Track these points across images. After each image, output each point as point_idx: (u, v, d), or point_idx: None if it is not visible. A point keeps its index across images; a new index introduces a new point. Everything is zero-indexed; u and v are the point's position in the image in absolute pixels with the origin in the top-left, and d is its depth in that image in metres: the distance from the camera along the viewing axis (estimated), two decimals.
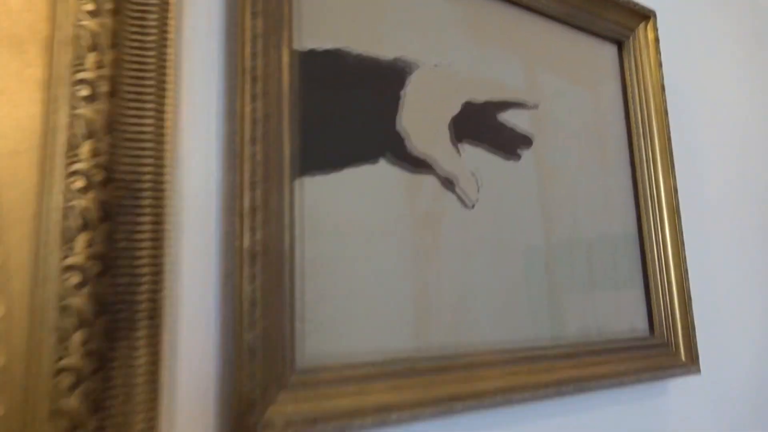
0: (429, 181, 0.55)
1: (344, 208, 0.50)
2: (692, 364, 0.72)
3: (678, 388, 0.74)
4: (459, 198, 0.57)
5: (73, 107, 0.34)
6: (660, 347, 0.71)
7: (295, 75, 0.48)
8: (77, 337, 0.32)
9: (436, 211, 0.55)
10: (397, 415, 0.46)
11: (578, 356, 0.62)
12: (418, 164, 0.55)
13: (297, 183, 0.47)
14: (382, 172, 0.53)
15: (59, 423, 0.31)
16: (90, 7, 0.35)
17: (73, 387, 0.32)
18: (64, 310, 0.33)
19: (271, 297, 0.43)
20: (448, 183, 0.57)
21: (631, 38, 0.78)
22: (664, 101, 0.76)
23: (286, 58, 0.47)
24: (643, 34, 0.78)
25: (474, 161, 0.59)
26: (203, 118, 0.44)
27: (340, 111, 0.51)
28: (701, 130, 0.90)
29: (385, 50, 0.55)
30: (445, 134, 0.58)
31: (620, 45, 0.78)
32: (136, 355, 0.35)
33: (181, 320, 0.40)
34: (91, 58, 0.35)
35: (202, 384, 0.41)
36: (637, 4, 0.78)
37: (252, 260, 0.42)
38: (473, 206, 0.58)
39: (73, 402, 0.32)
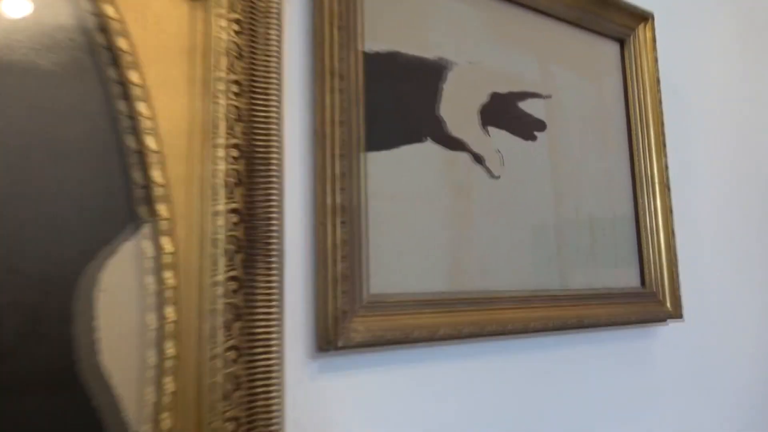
0: (463, 157, 0.69)
1: (398, 178, 0.64)
2: (677, 312, 0.86)
3: (665, 332, 0.88)
4: (486, 171, 0.71)
5: (226, 99, 0.48)
6: (650, 297, 0.85)
7: (363, 72, 0.62)
8: (238, 258, 0.47)
9: (468, 181, 0.70)
10: (443, 332, 0.61)
11: (581, 300, 0.76)
12: (454, 144, 0.69)
13: (364, 157, 0.61)
14: (427, 149, 0.67)
15: (227, 314, 0.46)
16: (235, 27, 0.49)
17: (234, 291, 0.47)
18: (218, 242, 0.48)
19: (349, 242, 0.57)
20: (478, 159, 0.71)
21: (631, 37, 0.91)
22: (659, 93, 0.89)
23: (357, 60, 0.61)
24: (642, 33, 0.91)
25: (498, 141, 0.73)
26: (295, 108, 0.58)
27: (395, 101, 0.65)
28: (691, 119, 1.03)
29: (429, 51, 0.69)
30: (475, 119, 0.71)
31: (622, 43, 0.91)
32: (266, 279, 0.50)
33: (289, 258, 0.54)
34: (235, 64, 0.49)
35: (302, 305, 0.55)
36: (637, 7, 0.90)
37: (336, 215, 0.57)
38: (498, 177, 0.72)
39: (234, 301, 0.47)
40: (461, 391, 0.65)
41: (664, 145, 0.89)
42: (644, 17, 0.91)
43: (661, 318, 0.86)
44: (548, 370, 0.74)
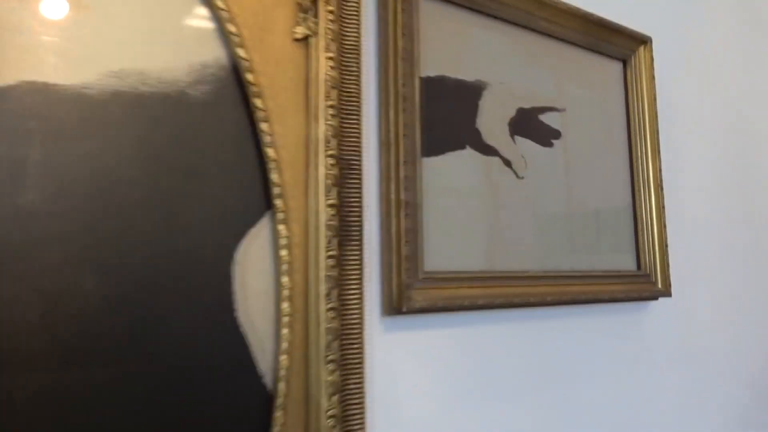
0: (495, 161, 0.85)
1: (446, 178, 0.79)
2: (666, 290, 1.02)
3: (656, 307, 1.05)
4: (513, 172, 0.87)
5: (325, 120, 0.63)
6: (644, 278, 1.01)
7: (420, 94, 0.77)
8: (335, 241, 0.63)
9: (499, 181, 0.85)
10: (480, 302, 0.77)
11: (587, 279, 0.92)
12: (488, 150, 0.84)
13: (421, 162, 0.76)
14: (467, 155, 0.82)
15: (328, 283, 0.62)
16: (331, 63, 0.64)
17: (332, 266, 0.62)
18: (320, 229, 0.63)
19: (411, 230, 0.73)
20: (507, 163, 0.86)
21: (632, 58, 1.06)
22: (656, 106, 1.05)
23: (416, 84, 0.76)
24: (642, 55, 1.06)
25: (523, 148, 0.88)
26: (370, 124, 0.73)
27: (443, 116, 0.80)
28: (682, 128, 1.19)
29: (468, 75, 0.84)
30: (505, 130, 0.87)
31: (624, 63, 1.06)
32: (354, 258, 0.65)
33: (366, 242, 0.70)
34: (331, 93, 0.64)
35: (375, 278, 0.71)
36: (637, 32, 1.05)
37: (401, 208, 0.72)
38: (522, 178, 0.88)
39: (332, 273, 0.62)
40: (492, 348, 0.81)
41: (659, 151, 1.05)
42: (644, 41, 1.06)
43: (653, 295, 1.02)
44: (560, 335, 0.90)
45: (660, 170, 1.04)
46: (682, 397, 1.09)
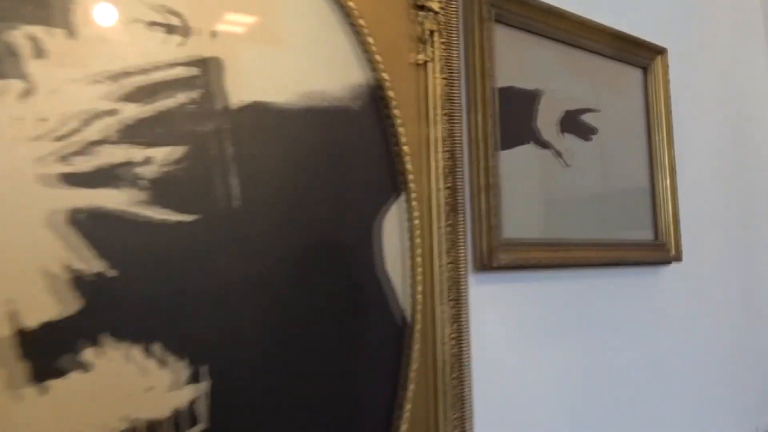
0: (549, 153, 1.08)
1: (514, 166, 1.02)
2: (678, 257, 1.27)
3: (670, 270, 1.29)
4: (563, 162, 1.10)
5: (441, 125, 0.86)
6: (660, 246, 1.26)
7: (496, 100, 0.99)
8: (450, 216, 0.86)
9: (552, 168, 1.08)
10: (544, 263, 1.00)
11: (617, 246, 1.16)
12: (544, 144, 1.07)
13: (498, 154, 0.99)
14: (529, 149, 1.05)
15: (446, 245, 0.85)
16: (443, 82, 0.87)
17: (449, 234, 0.85)
18: (440, 206, 0.86)
19: (493, 207, 0.95)
20: (558, 154, 1.09)
21: (651, 66, 1.29)
22: (670, 105, 1.28)
23: (493, 93, 0.98)
24: (659, 63, 1.29)
25: (569, 142, 1.11)
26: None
27: (512, 118, 1.02)
28: (692, 122, 1.43)
29: (529, 84, 1.06)
30: (556, 128, 1.10)
31: (645, 70, 1.29)
32: (461, 228, 0.88)
33: (466, 216, 0.92)
34: (444, 104, 0.87)
35: (469, 242, 0.94)
36: (655, 44, 1.28)
37: (487, 190, 0.95)
38: (569, 166, 1.11)
39: (449, 237, 0.85)
40: (549, 298, 1.05)
41: (673, 142, 1.28)
42: (660, 51, 1.29)
43: (667, 260, 1.26)
44: (596, 290, 1.14)
45: (674, 158, 1.28)
46: (690, 340, 1.34)
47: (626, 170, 1.23)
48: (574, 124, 1.13)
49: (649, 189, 1.27)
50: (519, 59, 1.05)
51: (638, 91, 1.28)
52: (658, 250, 1.26)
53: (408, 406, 0.81)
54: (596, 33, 1.18)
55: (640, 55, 1.27)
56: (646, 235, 1.26)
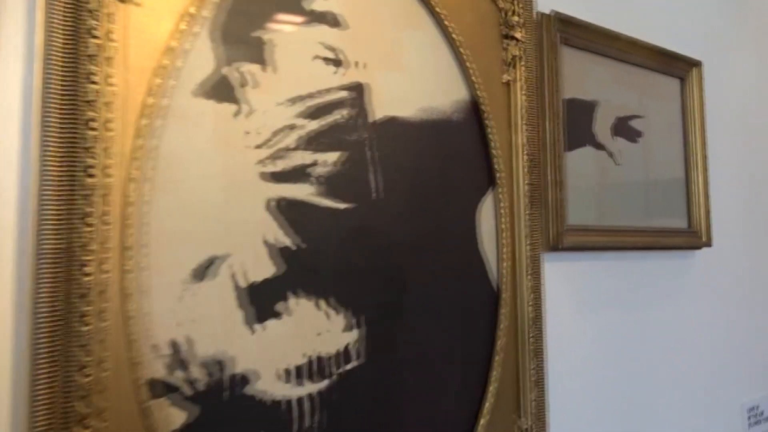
0: (603, 154, 1.28)
1: (576, 165, 1.23)
2: (708, 242, 1.47)
3: (701, 254, 1.50)
4: (614, 161, 1.31)
5: (524, 132, 1.07)
6: (693, 233, 1.46)
7: (563, 110, 1.20)
8: (529, 205, 1.07)
9: (606, 167, 1.29)
10: (599, 246, 1.21)
11: (656, 232, 1.37)
12: (599, 147, 1.28)
13: (564, 155, 1.19)
14: (588, 150, 1.26)
15: (529, 227, 1.06)
16: (525, 96, 1.08)
17: (529, 219, 1.07)
18: (523, 197, 1.07)
19: (561, 198, 1.17)
20: (611, 155, 1.30)
21: (688, 76, 1.48)
22: (704, 110, 1.48)
23: (562, 104, 1.19)
24: (694, 74, 1.49)
25: (620, 144, 1.32)
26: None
27: (574, 124, 1.23)
28: (722, 125, 1.62)
29: (587, 96, 1.27)
30: (610, 132, 1.30)
31: (682, 80, 1.49)
32: (538, 213, 1.09)
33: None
34: (525, 115, 1.08)
35: (543, 227, 1.15)
36: (692, 58, 1.48)
37: (556, 185, 1.16)
38: (620, 165, 1.31)
39: (531, 222, 1.07)
40: (602, 275, 1.27)
41: (705, 141, 1.48)
42: (695, 64, 1.49)
43: (699, 246, 1.47)
44: (639, 270, 1.35)
45: (706, 157, 1.48)
46: (718, 315, 1.55)
47: (665, 167, 1.44)
48: (623, 128, 1.34)
49: (684, 184, 1.48)
50: (580, 75, 1.26)
51: (676, 99, 1.48)
52: (691, 237, 1.46)
53: (499, 356, 1.03)
54: (642, 50, 1.38)
55: (678, 67, 1.47)
56: (681, 223, 1.46)
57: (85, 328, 0.63)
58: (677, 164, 1.47)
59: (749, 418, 1.55)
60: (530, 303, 1.07)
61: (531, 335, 1.07)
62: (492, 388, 1.01)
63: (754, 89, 1.77)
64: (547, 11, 1.18)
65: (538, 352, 1.08)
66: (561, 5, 1.20)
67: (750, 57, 1.77)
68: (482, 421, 0.99)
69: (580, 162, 1.24)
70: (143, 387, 0.68)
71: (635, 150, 1.36)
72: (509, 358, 1.05)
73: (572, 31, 1.23)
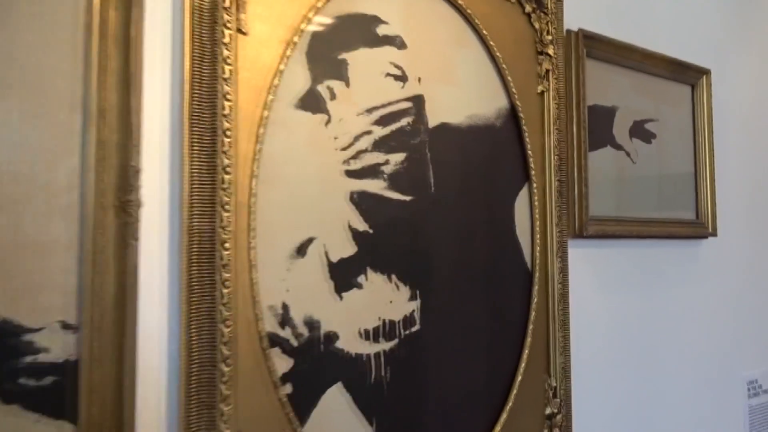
0: (622, 154, 1.46)
1: (598, 164, 1.40)
2: (714, 232, 1.64)
3: (707, 243, 1.67)
4: (631, 160, 1.48)
5: (555, 135, 1.25)
6: (700, 224, 1.63)
7: (587, 115, 1.37)
8: (560, 197, 1.25)
9: (623, 165, 1.46)
10: (617, 234, 1.39)
11: (667, 223, 1.54)
12: (618, 147, 1.45)
13: (587, 155, 1.36)
14: (608, 150, 1.43)
15: (558, 216, 1.24)
16: (556, 104, 1.25)
17: (557, 210, 1.24)
18: (553, 191, 1.25)
19: (585, 193, 1.34)
20: (628, 154, 1.47)
21: (698, 83, 1.65)
22: (712, 113, 1.64)
23: (586, 110, 1.36)
24: (704, 81, 1.65)
25: (636, 145, 1.49)
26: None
27: (595, 127, 1.40)
28: (728, 126, 1.78)
29: (607, 102, 1.44)
30: (627, 134, 1.47)
31: (693, 87, 1.65)
32: (564, 205, 1.27)
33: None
34: (556, 121, 1.25)
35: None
36: (701, 66, 1.64)
37: (581, 182, 1.33)
38: (636, 163, 1.48)
39: (558, 213, 1.24)
40: (620, 259, 1.44)
41: (713, 141, 1.65)
42: (705, 72, 1.65)
43: (705, 235, 1.64)
44: (652, 257, 1.53)
45: (714, 157, 1.65)
46: (722, 298, 1.72)
47: (676, 165, 1.60)
48: (639, 131, 1.51)
49: (692, 180, 1.64)
50: (602, 83, 1.43)
51: (687, 104, 1.64)
52: (698, 227, 1.63)
53: (533, 326, 1.21)
54: (656, 60, 1.54)
55: (689, 75, 1.63)
56: (690, 215, 1.63)
57: (226, 291, 0.82)
58: (687, 162, 1.63)
59: (749, 390, 1.72)
60: (558, 282, 1.25)
61: (559, 309, 1.25)
62: (526, 353, 1.19)
63: (757, 94, 1.93)
64: (574, 29, 1.35)
65: (565, 324, 1.26)
66: (586, 23, 1.37)
67: (754, 65, 1.93)
68: (519, 379, 1.17)
69: (601, 161, 1.41)
70: (264, 338, 0.87)
71: (649, 150, 1.53)
72: (540, 328, 1.23)
73: (595, 45, 1.40)
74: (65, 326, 0.75)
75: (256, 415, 0.86)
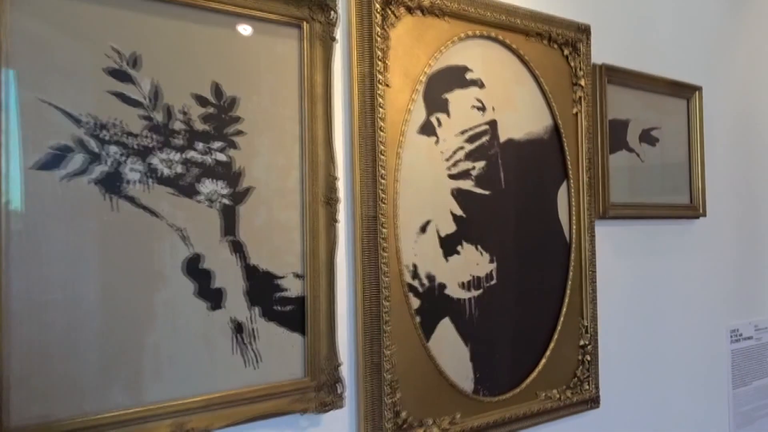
0: (633, 155, 1.92)
1: (616, 163, 1.86)
2: (704, 213, 2.11)
3: (698, 222, 2.14)
4: (640, 159, 1.94)
5: (585, 143, 1.71)
6: (693, 207, 2.10)
7: (608, 128, 1.82)
8: (591, 190, 1.71)
9: (634, 163, 1.92)
10: (630, 216, 1.86)
11: (667, 206, 2.01)
12: (631, 150, 1.91)
13: (609, 157, 1.82)
14: (623, 153, 1.89)
15: (588, 210, 1.70)
16: (587, 124, 1.71)
17: (587, 200, 1.71)
18: (585, 183, 1.71)
19: (606, 186, 1.80)
20: (638, 155, 1.93)
21: (692, 97, 2.10)
22: (703, 121, 2.10)
23: (607, 123, 1.81)
24: (697, 95, 2.10)
25: (644, 148, 1.95)
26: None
27: (615, 136, 1.86)
28: (716, 128, 2.24)
29: (622, 116, 1.89)
30: (638, 140, 1.93)
31: (688, 100, 2.10)
32: (592, 197, 1.74)
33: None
34: (587, 135, 1.71)
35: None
36: (695, 85, 2.09)
37: (605, 177, 1.79)
38: (644, 162, 1.94)
39: (586, 204, 1.71)
40: (634, 237, 1.91)
41: (703, 144, 2.11)
42: (697, 88, 2.10)
43: (697, 216, 2.10)
44: (654, 234, 1.99)
45: (704, 154, 2.11)
46: (711, 264, 2.19)
47: (674, 162, 2.07)
48: (646, 137, 1.96)
49: (687, 172, 2.11)
50: (618, 102, 1.88)
51: (683, 114, 2.10)
52: (691, 209, 2.10)
53: (572, 282, 1.68)
54: (659, 81, 2.00)
55: (684, 91, 2.08)
56: (685, 200, 2.10)
57: (384, 254, 1.29)
58: (682, 159, 2.09)
59: (731, 337, 2.20)
60: (588, 251, 1.72)
61: (589, 271, 1.72)
62: (566, 301, 1.67)
63: (739, 105, 2.38)
64: (599, 62, 1.80)
65: (593, 282, 1.73)
66: (608, 58, 1.82)
67: (737, 81, 2.38)
68: (561, 320, 1.65)
69: (618, 161, 1.87)
70: (405, 285, 1.34)
71: (654, 151, 1.99)
72: (575, 285, 1.70)
73: (614, 74, 1.85)
74: (296, 275, 1.23)
75: (401, 332, 1.33)
